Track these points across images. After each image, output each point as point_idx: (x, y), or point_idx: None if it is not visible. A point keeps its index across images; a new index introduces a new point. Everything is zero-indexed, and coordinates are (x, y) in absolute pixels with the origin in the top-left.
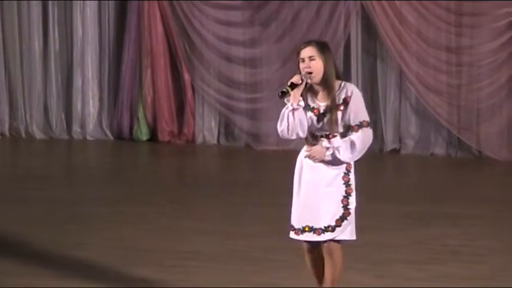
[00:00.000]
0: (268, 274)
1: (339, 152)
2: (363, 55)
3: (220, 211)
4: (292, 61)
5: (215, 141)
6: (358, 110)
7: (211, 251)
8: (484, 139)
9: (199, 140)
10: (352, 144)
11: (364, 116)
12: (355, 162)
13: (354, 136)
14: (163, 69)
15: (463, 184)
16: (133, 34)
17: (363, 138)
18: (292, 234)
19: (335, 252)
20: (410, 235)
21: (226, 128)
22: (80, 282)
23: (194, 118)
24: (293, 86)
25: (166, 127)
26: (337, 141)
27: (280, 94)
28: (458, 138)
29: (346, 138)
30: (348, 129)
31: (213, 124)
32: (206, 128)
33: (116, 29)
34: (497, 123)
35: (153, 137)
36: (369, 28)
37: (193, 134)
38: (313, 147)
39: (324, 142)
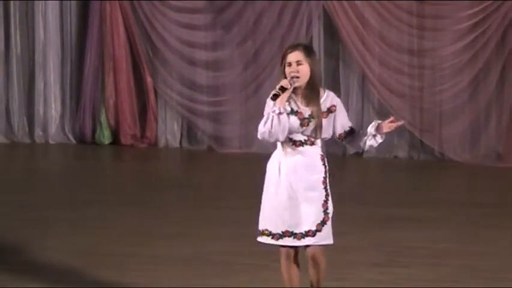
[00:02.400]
0: (231, 277)
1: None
2: (325, 58)
3: (182, 214)
4: (254, 64)
5: (178, 145)
6: (345, 115)
7: (173, 254)
8: (446, 141)
9: (161, 143)
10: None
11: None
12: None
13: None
14: (126, 73)
15: (426, 186)
16: (95, 37)
17: None
18: (268, 239)
19: (319, 257)
20: (372, 237)
21: (189, 131)
22: (40, 286)
23: (157, 121)
24: (283, 89)
25: (129, 130)
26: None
27: (272, 97)
28: (420, 140)
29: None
30: (348, 133)
31: (176, 127)
32: (169, 131)
33: (77, 32)
34: (460, 125)
35: (116, 140)
36: (331, 31)
37: (156, 137)
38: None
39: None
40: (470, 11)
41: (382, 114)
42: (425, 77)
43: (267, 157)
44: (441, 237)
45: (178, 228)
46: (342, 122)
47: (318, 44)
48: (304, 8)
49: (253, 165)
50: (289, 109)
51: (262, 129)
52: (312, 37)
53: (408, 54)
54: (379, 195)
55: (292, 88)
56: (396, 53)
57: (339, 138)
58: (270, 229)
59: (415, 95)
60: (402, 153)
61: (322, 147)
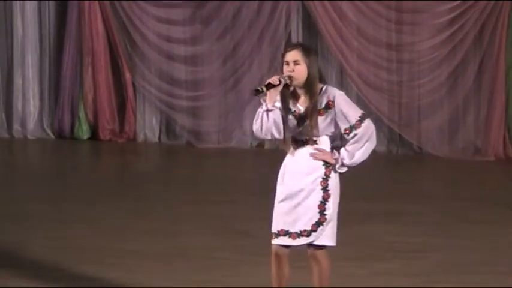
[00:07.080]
0: (208, 272)
1: (344, 159)
2: None
3: (161, 209)
4: (233, 59)
5: (156, 140)
6: (348, 108)
7: (152, 249)
8: (424, 136)
9: (140, 138)
10: (358, 146)
11: (358, 111)
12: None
13: (358, 135)
14: (104, 68)
15: (404, 181)
16: (73, 33)
17: (365, 131)
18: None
19: (320, 258)
20: (351, 232)
21: (168, 126)
22: (19, 281)
23: (135, 116)
24: (270, 86)
25: (108, 125)
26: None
27: (254, 92)
28: (399, 134)
29: (349, 148)
30: (352, 129)
31: (154, 122)
32: (147, 126)
33: (56, 27)
34: (438, 119)
35: (94, 135)
36: (309, 25)
37: (135, 132)
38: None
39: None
40: (449, 6)
41: (361, 108)
42: (403, 72)
43: (246, 152)
44: (420, 231)
45: (157, 223)
46: (344, 117)
47: (297, 39)
48: (282, 2)
49: (231, 160)
50: (278, 105)
51: (254, 127)
52: (290, 31)
53: (386, 49)
54: (358, 190)
55: (282, 85)
56: (374, 47)
57: (344, 134)
58: (272, 229)
59: (394, 89)
60: (381, 148)
61: (330, 144)
